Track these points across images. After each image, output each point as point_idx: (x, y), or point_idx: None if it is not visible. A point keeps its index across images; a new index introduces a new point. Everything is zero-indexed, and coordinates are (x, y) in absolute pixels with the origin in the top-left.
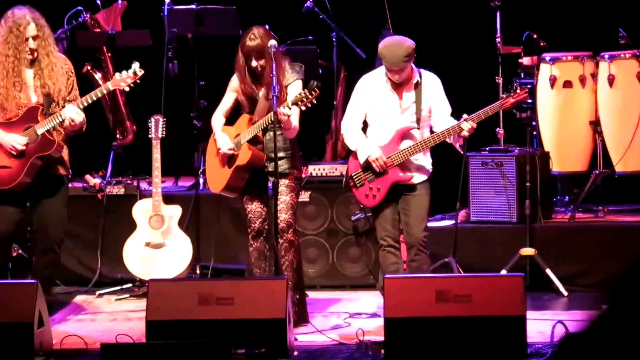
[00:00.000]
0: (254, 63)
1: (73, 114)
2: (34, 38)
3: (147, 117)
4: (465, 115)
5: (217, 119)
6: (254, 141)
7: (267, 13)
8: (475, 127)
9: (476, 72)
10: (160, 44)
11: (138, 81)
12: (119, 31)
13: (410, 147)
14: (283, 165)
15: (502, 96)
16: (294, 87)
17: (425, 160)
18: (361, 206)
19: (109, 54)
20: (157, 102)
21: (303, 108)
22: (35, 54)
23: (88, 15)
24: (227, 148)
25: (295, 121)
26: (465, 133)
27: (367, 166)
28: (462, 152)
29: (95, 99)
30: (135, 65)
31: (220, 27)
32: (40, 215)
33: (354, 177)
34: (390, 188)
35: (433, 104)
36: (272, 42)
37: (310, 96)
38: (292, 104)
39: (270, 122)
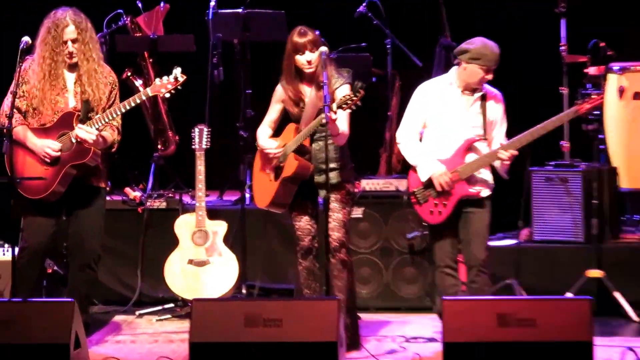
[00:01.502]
0: (305, 57)
1: (82, 133)
2: (73, 41)
3: (191, 127)
4: (504, 141)
5: (263, 130)
6: (301, 152)
7: (317, 18)
8: (516, 153)
9: (539, 83)
10: (205, 50)
11: (180, 87)
12: (161, 36)
13: (479, 159)
14: (334, 177)
15: (576, 102)
16: (341, 92)
17: (488, 173)
18: (424, 224)
19: (150, 60)
20: (201, 111)
21: (349, 110)
22: (75, 58)
23: (128, 19)
24: (273, 148)
25: (343, 126)
26: (502, 162)
27: (429, 182)
28: (505, 177)
29: (133, 105)
30: (177, 71)
31: (267, 33)
32: (75, 228)
33: (417, 193)
34: (457, 204)
35: (493, 120)
36: (323, 49)
37: (355, 97)
38: (337, 107)
39: (316, 129)
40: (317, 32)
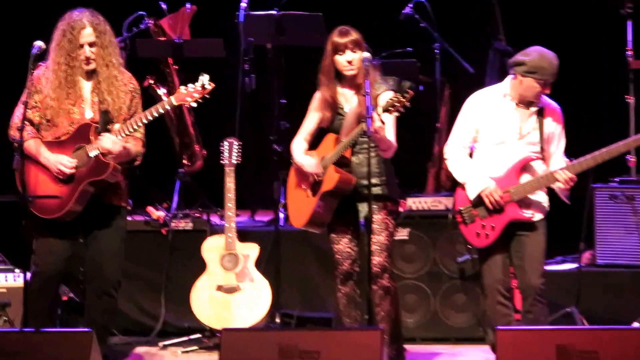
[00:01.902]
0: (345, 57)
1: (107, 143)
2: (91, 45)
3: (219, 140)
4: (562, 159)
5: (298, 143)
6: (341, 164)
7: (358, 20)
8: (576, 178)
9: (602, 91)
10: (235, 55)
11: (207, 96)
12: (187, 40)
13: (534, 180)
14: (376, 195)
15: None
16: (384, 97)
17: (543, 195)
18: (468, 246)
19: (175, 67)
20: (230, 123)
21: (396, 114)
22: (92, 64)
23: (151, 22)
24: (314, 168)
25: (391, 135)
26: (559, 184)
27: (478, 201)
28: (567, 202)
29: (156, 115)
30: (204, 78)
31: (304, 37)
32: (93, 251)
33: (463, 212)
34: (506, 227)
35: (551, 137)
36: (366, 55)
37: (403, 99)
38: (384, 110)
39: (358, 138)
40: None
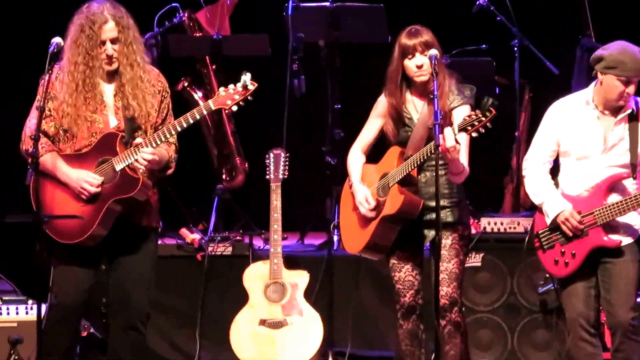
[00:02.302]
0: (415, 61)
1: (147, 156)
2: (113, 41)
3: (264, 152)
4: None
5: (355, 156)
6: (407, 183)
7: (424, 14)
8: None
9: None
10: (282, 54)
11: (250, 99)
12: (227, 36)
13: (623, 202)
14: (445, 217)
15: None
16: (460, 113)
17: (634, 217)
18: (547, 275)
19: (213, 67)
20: (277, 132)
21: (474, 135)
22: (115, 64)
23: (186, 15)
24: (367, 208)
25: (464, 158)
26: None
27: (556, 224)
28: None
29: (191, 122)
30: (246, 77)
31: (362, 32)
32: (119, 280)
33: (541, 236)
34: (589, 254)
35: None
36: (433, 52)
37: (484, 118)
38: (460, 129)
39: (428, 155)
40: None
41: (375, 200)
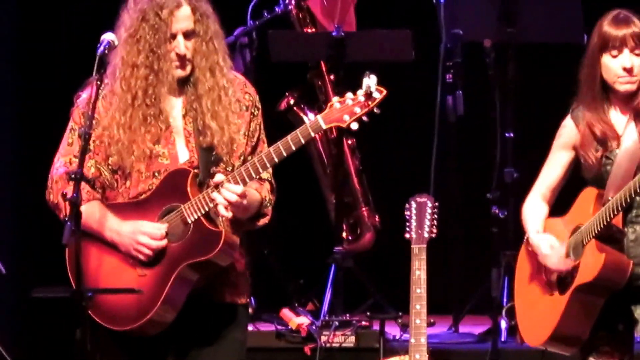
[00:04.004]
0: (622, 61)
1: (229, 195)
2: (187, 35)
3: (403, 200)
4: None
5: (534, 205)
6: (607, 238)
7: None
8: None
9: None
10: (431, 59)
11: (376, 111)
12: (352, 32)
13: None
14: None
15: None
16: None
17: None
18: None
19: (331, 77)
20: (422, 171)
21: None
22: (188, 67)
23: (293, 3)
24: (555, 262)
25: None
26: None
27: None
28: None
29: (294, 149)
30: (370, 81)
31: (548, 29)
32: None
33: None
34: None
35: None
36: None
37: None
38: None
39: (632, 197)
40: None
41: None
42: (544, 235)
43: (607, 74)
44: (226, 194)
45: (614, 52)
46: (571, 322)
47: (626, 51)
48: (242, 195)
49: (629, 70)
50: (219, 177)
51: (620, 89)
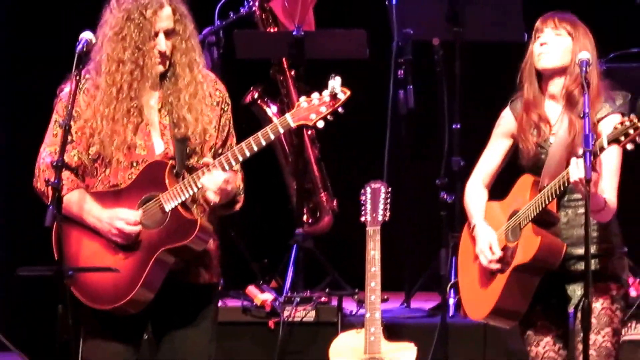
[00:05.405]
0: (541, 39)
1: (211, 185)
2: (167, 34)
3: (359, 186)
4: None
5: (475, 190)
6: (543, 222)
7: (576, 4)
8: None
9: None
10: (383, 57)
11: (340, 111)
12: (311, 32)
13: None
14: (594, 271)
15: None
16: (609, 122)
17: None
18: None
19: (292, 73)
20: (376, 160)
21: (629, 147)
22: (167, 64)
23: (257, 4)
24: (490, 258)
25: (609, 189)
26: None
27: None
28: None
29: (264, 145)
30: (335, 82)
31: (491, 28)
32: (169, 356)
33: None
34: None
35: None
36: (584, 56)
37: None
38: (610, 140)
39: (565, 186)
40: None
41: (504, 247)
42: (488, 230)
43: (532, 58)
44: (215, 178)
45: (538, 35)
46: (510, 299)
47: (547, 30)
48: (227, 182)
49: (543, 45)
50: (207, 159)
51: (539, 66)
